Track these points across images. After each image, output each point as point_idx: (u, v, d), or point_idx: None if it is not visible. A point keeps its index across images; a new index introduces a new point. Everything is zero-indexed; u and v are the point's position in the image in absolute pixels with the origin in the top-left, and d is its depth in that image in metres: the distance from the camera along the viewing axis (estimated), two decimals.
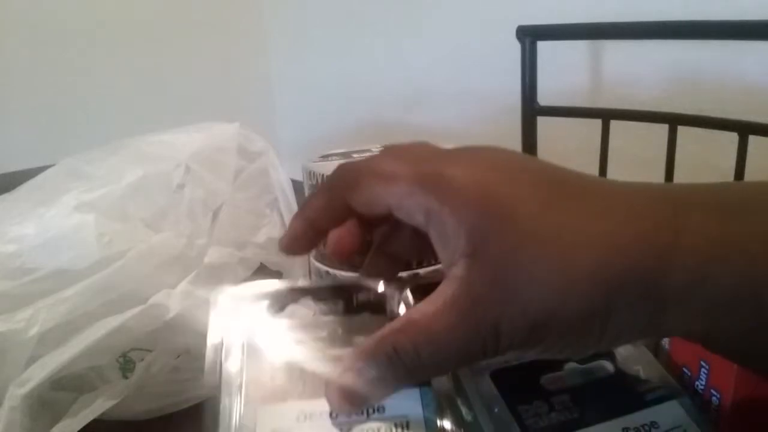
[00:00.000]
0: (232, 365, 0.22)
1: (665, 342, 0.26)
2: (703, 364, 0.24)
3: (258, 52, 1.54)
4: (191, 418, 0.32)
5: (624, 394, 0.23)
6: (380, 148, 0.38)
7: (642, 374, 0.23)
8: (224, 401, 0.21)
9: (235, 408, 0.21)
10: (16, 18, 1.20)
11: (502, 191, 0.19)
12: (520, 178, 0.20)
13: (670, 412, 0.22)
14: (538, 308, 0.18)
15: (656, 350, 0.26)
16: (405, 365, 0.19)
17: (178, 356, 0.33)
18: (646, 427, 0.21)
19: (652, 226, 0.18)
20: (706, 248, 0.17)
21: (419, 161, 0.21)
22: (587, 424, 0.21)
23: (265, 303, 0.24)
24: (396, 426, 0.20)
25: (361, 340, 0.21)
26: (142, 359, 0.31)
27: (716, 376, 0.23)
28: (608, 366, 0.24)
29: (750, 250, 0.17)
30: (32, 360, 0.28)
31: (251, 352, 0.23)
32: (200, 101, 1.34)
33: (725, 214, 0.18)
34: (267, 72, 1.57)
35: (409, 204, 0.21)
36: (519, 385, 0.23)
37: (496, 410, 0.22)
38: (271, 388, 0.21)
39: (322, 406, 0.21)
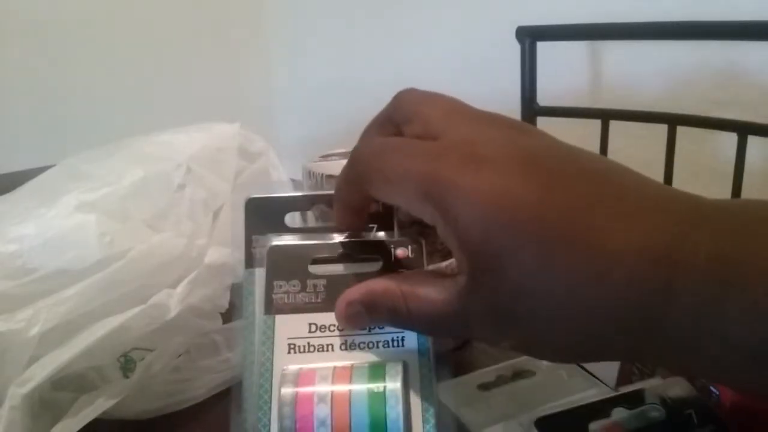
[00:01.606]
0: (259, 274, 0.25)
1: None
2: None
3: (258, 53, 1.55)
4: (192, 417, 0.32)
5: None
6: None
7: (695, 418, 0.23)
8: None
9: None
10: (17, 19, 1.20)
11: (503, 227, 0.19)
12: (524, 216, 0.19)
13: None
14: (520, 345, 0.20)
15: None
16: (396, 320, 0.22)
17: (179, 356, 0.33)
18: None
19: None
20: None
21: (433, 156, 0.20)
22: None
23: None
24: (393, 341, 0.23)
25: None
26: (143, 359, 0.31)
27: None
28: (658, 410, 0.24)
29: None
30: (33, 360, 0.28)
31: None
32: (201, 102, 1.34)
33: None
34: (267, 72, 1.57)
35: (416, 208, 0.21)
36: None
37: None
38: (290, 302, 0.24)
39: (331, 319, 0.23)
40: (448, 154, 0.20)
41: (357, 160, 0.24)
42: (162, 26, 1.37)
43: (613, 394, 0.24)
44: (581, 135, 0.86)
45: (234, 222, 0.28)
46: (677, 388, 0.24)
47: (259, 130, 0.44)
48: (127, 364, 0.31)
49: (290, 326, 0.23)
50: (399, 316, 0.22)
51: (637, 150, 0.82)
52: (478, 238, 0.19)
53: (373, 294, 0.23)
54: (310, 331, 0.23)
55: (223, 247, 0.36)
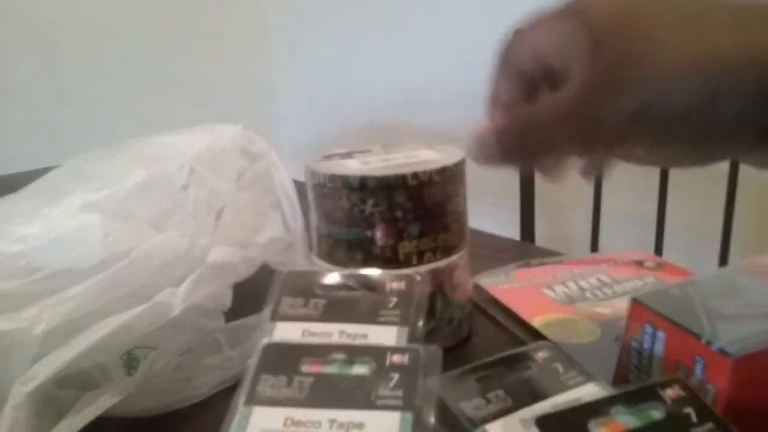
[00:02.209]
0: None
1: (660, 339, 0.26)
2: (697, 359, 0.24)
3: (260, 55, 1.55)
4: (194, 415, 0.33)
5: None
6: (381, 148, 0.39)
7: (694, 417, 0.24)
8: None
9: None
10: (20, 21, 1.21)
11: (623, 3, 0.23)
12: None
13: None
14: (646, 93, 0.21)
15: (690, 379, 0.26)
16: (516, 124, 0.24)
17: (182, 354, 0.33)
18: None
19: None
20: None
21: (559, 8, 0.25)
22: None
23: None
24: None
25: None
26: (146, 357, 0.31)
27: (711, 371, 0.24)
28: (658, 410, 0.24)
29: None
30: (37, 358, 0.28)
31: None
32: (203, 103, 1.34)
33: None
34: (269, 74, 1.57)
35: (550, 40, 0.24)
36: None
37: None
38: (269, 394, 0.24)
39: (311, 415, 0.23)
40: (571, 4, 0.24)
41: (505, 40, 0.27)
42: (165, 29, 1.38)
43: (611, 392, 0.25)
44: None
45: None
46: (676, 387, 0.24)
47: (261, 130, 0.44)
48: (130, 363, 0.32)
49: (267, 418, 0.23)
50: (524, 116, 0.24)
51: None
52: (602, 9, 0.23)
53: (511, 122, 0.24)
54: (285, 425, 0.23)
55: (225, 246, 0.36)
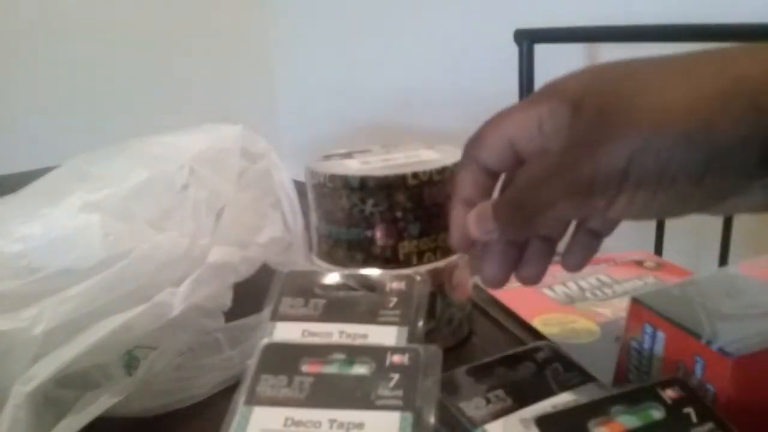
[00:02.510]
0: None
1: (660, 339, 0.26)
2: (697, 359, 0.24)
3: (260, 55, 1.55)
4: (195, 415, 0.33)
5: None
6: (381, 148, 0.39)
7: (694, 417, 0.23)
8: None
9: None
10: (21, 20, 1.21)
11: (598, 73, 0.23)
12: (609, 67, 0.23)
13: None
14: (637, 137, 0.20)
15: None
16: (517, 193, 0.24)
17: (182, 354, 0.33)
18: None
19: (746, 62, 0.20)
20: None
21: (522, 101, 0.25)
22: None
23: None
24: None
25: None
26: (146, 357, 0.31)
27: (710, 371, 0.24)
28: (658, 410, 0.24)
29: None
30: (37, 358, 0.28)
31: None
32: (203, 103, 1.34)
33: None
34: (269, 74, 1.57)
35: (524, 124, 0.24)
36: None
37: None
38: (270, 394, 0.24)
39: (311, 415, 0.23)
40: (542, 88, 0.25)
41: (467, 142, 0.27)
42: (165, 28, 1.38)
43: (611, 392, 0.25)
44: None
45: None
46: (675, 387, 0.24)
47: (262, 130, 0.44)
48: (130, 362, 0.32)
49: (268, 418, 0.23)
50: (519, 195, 0.24)
51: None
52: (577, 81, 0.23)
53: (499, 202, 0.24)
54: (285, 425, 0.23)
55: (225, 246, 0.36)
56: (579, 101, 0.22)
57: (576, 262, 0.28)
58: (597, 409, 0.24)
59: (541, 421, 0.23)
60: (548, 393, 0.27)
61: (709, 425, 0.23)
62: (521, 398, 0.27)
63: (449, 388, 0.28)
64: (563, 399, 0.27)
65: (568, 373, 0.29)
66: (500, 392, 0.28)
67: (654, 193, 0.21)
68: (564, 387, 0.28)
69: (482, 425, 0.26)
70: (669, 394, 0.24)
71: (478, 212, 0.25)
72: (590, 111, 0.22)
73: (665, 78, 0.21)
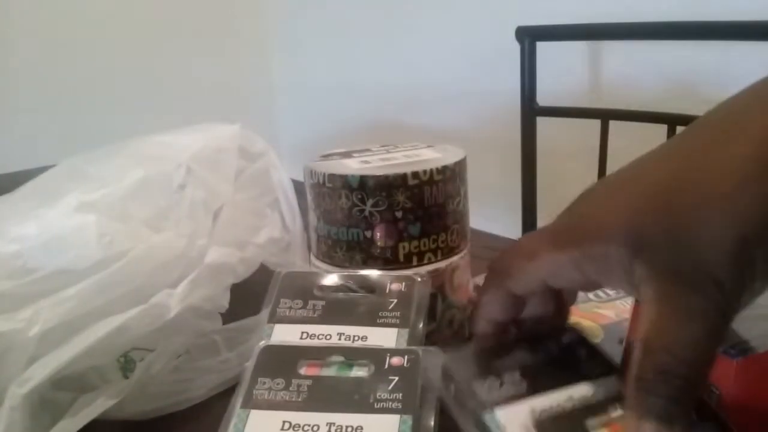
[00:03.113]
0: None
1: None
2: None
3: (259, 54, 1.55)
4: (191, 418, 0.32)
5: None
6: (380, 147, 0.39)
7: (694, 416, 0.23)
8: None
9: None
10: (19, 20, 1.21)
11: (630, 195, 0.22)
12: (637, 183, 0.23)
13: None
14: (732, 236, 0.20)
15: None
16: (673, 374, 0.21)
17: (179, 356, 0.33)
18: None
19: None
20: None
21: (554, 231, 0.25)
22: None
23: None
24: None
25: None
26: (143, 359, 0.31)
27: (715, 373, 0.23)
28: None
29: None
30: (33, 359, 0.28)
31: None
32: (201, 102, 1.34)
33: None
34: (267, 73, 1.57)
35: (557, 268, 0.24)
36: None
37: None
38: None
39: (309, 418, 0.22)
40: (565, 220, 0.25)
41: (495, 262, 0.27)
42: (163, 27, 1.37)
43: (613, 393, 0.24)
44: (581, 135, 0.86)
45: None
46: None
47: (260, 130, 0.44)
48: (127, 364, 0.31)
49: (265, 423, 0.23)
50: (663, 370, 0.21)
51: (636, 150, 0.81)
52: (614, 218, 0.22)
53: (632, 396, 0.21)
54: (282, 429, 0.22)
55: (223, 247, 0.36)
56: (638, 241, 0.21)
57: None
58: (597, 409, 0.23)
59: (541, 420, 0.23)
60: (566, 381, 0.26)
61: (710, 424, 0.23)
62: (537, 384, 0.26)
63: (463, 366, 0.27)
64: (580, 391, 0.26)
65: (590, 362, 0.28)
66: (516, 375, 0.27)
67: (767, 275, 0.21)
68: (584, 377, 0.27)
69: (492, 408, 0.25)
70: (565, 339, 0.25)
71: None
72: (661, 245, 0.21)
73: (713, 177, 0.21)
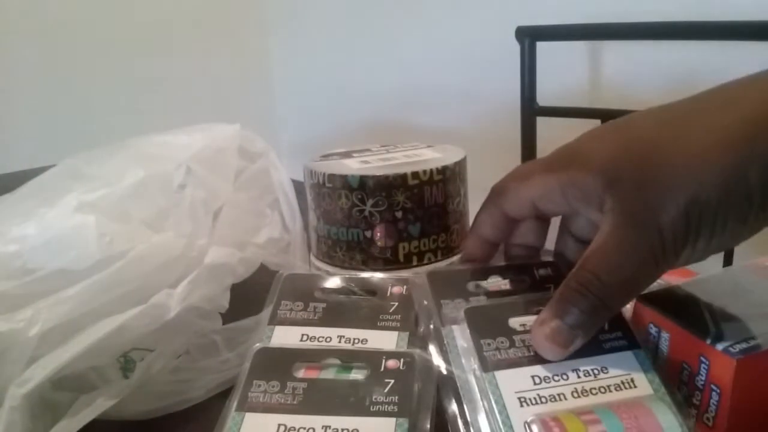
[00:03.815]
0: None
1: (664, 339, 0.26)
2: (702, 359, 0.24)
3: (259, 54, 1.55)
4: (191, 418, 0.32)
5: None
6: (380, 147, 0.39)
7: (606, 325, 0.25)
8: None
9: None
10: (19, 20, 1.21)
11: (621, 143, 0.25)
12: (628, 134, 0.25)
13: (624, 362, 0.24)
14: (685, 194, 0.22)
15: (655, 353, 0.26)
16: (593, 293, 0.23)
17: (179, 356, 0.33)
18: (596, 371, 0.24)
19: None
20: None
21: (548, 159, 0.27)
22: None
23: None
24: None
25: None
26: (143, 359, 0.31)
27: (716, 372, 0.23)
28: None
29: None
30: (33, 360, 0.28)
31: None
32: (201, 102, 1.34)
33: None
34: (268, 73, 1.57)
35: (545, 190, 0.26)
36: None
37: None
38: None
39: (304, 421, 0.22)
40: (561, 150, 0.27)
41: (495, 185, 0.29)
42: (163, 27, 1.37)
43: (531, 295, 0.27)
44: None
45: None
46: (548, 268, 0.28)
47: (260, 130, 0.44)
48: (126, 365, 0.31)
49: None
50: (589, 286, 0.23)
51: None
52: (598, 151, 0.25)
53: (557, 295, 0.24)
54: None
55: (223, 247, 0.35)
56: (612, 176, 0.24)
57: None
58: (520, 306, 0.26)
59: (469, 311, 0.25)
60: (536, 306, 0.26)
61: (617, 333, 0.25)
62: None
63: (438, 282, 0.28)
64: (518, 300, 0.27)
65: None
66: (482, 299, 0.27)
67: (710, 239, 0.23)
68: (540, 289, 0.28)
69: (451, 325, 0.25)
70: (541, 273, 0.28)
71: (553, 332, 0.24)
72: (628, 185, 0.23)
73: (688, 141, 0.23)
